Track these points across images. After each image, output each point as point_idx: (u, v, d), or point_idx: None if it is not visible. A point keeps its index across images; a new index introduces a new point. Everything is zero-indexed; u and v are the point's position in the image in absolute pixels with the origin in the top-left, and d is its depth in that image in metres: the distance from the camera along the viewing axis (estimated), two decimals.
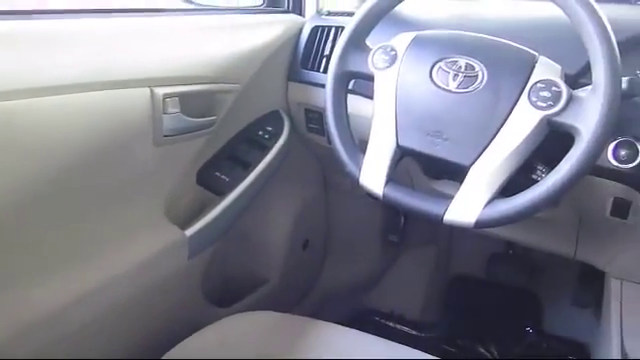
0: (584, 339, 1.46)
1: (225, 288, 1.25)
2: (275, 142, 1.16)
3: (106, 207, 0.90)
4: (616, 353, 1.06)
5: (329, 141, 0.93)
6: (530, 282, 1.56)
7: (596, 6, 0.74)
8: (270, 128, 1.18)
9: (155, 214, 1.00)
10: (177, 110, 0.95)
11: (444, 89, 0.82)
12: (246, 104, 1.12)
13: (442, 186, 1.08)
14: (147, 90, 0.90)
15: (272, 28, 1.15)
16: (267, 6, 1.24)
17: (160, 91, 0.92)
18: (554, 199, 0.75)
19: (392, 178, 0.86)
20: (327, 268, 1.57)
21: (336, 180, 1.41)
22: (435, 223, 0.83)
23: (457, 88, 0.81)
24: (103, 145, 0.86)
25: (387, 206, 1.39)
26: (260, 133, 1.17)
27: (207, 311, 1.16)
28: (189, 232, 1.03)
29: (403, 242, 1.58)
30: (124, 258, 0.93)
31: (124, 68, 0.88)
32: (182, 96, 0.95)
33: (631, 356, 1.03)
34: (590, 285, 1.32)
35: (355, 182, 0.89)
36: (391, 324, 1.60)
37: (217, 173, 1.11)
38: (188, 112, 0.97)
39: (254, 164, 1.14)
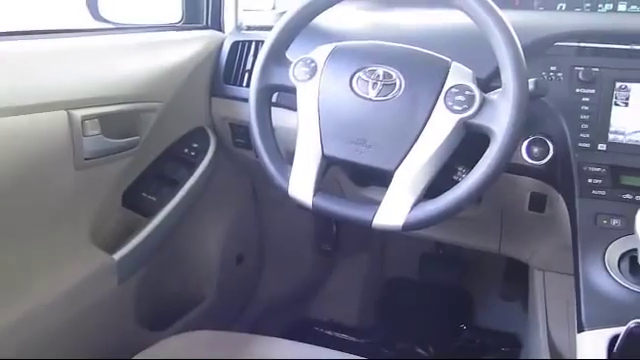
0: (515, 330, 1.52)
1: (160, 310, 1.22)
2: (202, 159, 1.15)
3: (29, 235, 0.87)
4: (543, 339, 1.11)
5: (256, 155, 0.93)
6: (461, 280, 1.62)
7: (502, 14, 0.79)
8: (196, 145, 1.17)
9: (81, 239, 0.97)
10: (97, 132, 0.93)
11: (364, 98, 0.84)
12: (170, 122, 1.11)
13: (371, 192, 1.10)
14: (64, 113, 0.88)
15: (192, 44, 1.14)
16: (186, 23, 1.23)
17: (78, 113, 0.89)
18: (475, 197, 0.79)
19: (320, 188, 0.87)
20: (263, 281, 1.57)
21: (266, 193, 1.41)
22: (365, 228, 0.85)
23: (377, 96, 0.83)
24: (21, 171, 0.83)
25: (318, 216, 1.40)
26: (186, 150, 1.16)
27: (142, 336, 1.13)
28: (117, 256, 1.00)
29: (337, 250, 1.60)
30: (50, 286, 0.90)
31: (38, 91, 0.86)
32: (102, 117, 0.93)
33: (556, 340, 1.08)
34: (516, 278, 1.38)
35: (284, 194, 0.89)
36: (330, 332, 1.61)
37: (144, 194, 1.09)
38: (109, 133, 0.95)
39: (182, 182, 1.12)
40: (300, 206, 0.89)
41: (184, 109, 1.13)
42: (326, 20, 1.06)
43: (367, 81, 0.84)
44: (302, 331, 1.61)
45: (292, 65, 0.90)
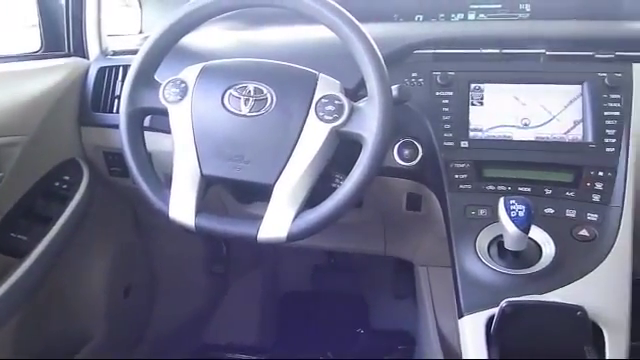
0: (409, 327, 1.58)
1: (45, 355, 1.14)
2: (75, 191, 1.10)
3: None
4: (433, 331, 1.17)
5: (133, 181, 0.91)
6: (354, 286, 1.66)
7: (362, 27, 0.83)
8: (68, 177, 1.11)
9: None
10: None
11: (238, 114, 0.85)
12: (37, 155, 1.04)
13: (256, 209, 1.10)
14: None
15: (54, 73, 1.09)
16: (46, 51, 1.17)
17: None
18: (353, 202, 0.82)
19: (203, 208, 0.86)
20: (156, 311, 1.52)
21: (150, 220, 1.37)
22: (255, 246, 0.85)
23: (250, 112, 0.85)
24: None
25: (203, 237, 1.38)
26: (57, 184, 1.10)
27: None
28: None
29: (229, 271, 1.58)
30: None
31: None
32: None
33: (445, 330, 1.14)
34: (404, 277, 1.44)
35: (166, 218, 0.87)
36: (230, 355, 1.59)
37: (12, 234, 1.02)
38: None
39: (55, 218, 1.06)
40: (184, 229, 0.87)
41: (52, 141, 1.08)
42: (194, 41, 1.05)
43: (239, 98, 0.85)
44: (201, 358, 1.57)
45: (162, 87, 0.89)
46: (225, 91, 0.86)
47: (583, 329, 0.74)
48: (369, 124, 0.81)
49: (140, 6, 1.37)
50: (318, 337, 1.61)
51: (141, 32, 1.37)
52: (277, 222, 0.82)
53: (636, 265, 0.82)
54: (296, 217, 0.82)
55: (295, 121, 0.83)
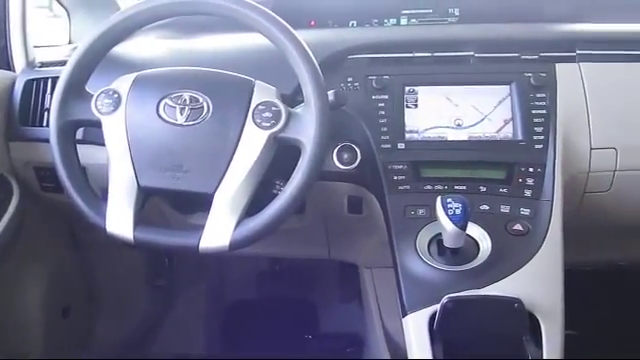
0: (356, 329, 1.60)
1: None
2: (4, 210, 1.05)
3: None
4: (379, 333, 1.18)
5: (68, 196, 0.88)
6: (300, 291, 1.66)
7: (296, 33, 0.84)
8: None
9: None
10: None
11: (174, 124, 0.84)
12: None
13: (197, 219, 1.09)
14: None
15: None
16: None
17: None
18: (294, 208, 0.82)
19: (141, 221, 0.85)
20: (98, 330, 1.47)
21: (87, 235, 1.33)
22: (197, 256, 0.84)
23: (186, 121, 0.84)
24: None
25: (147, 251, 1.35)
26: None
27: None
28: None
29: (173, 283, 1.56)
30: None
31: None
32: None
33: (391, 330, 1.16)
34: (350, 280, 1.45)
35: (103, 232, 0.85)
36: None
37: None
38: None
39: None
40: (122, 243, 0.85)
41: None
42: (126, 50, 1.03)
43: (174, 107, 0.84)
44: None
45: (93, 98, 0.87)
46: (160, 101, 0.85)
47: (520, 320, 0.76)
48: (307, 129, 0.81)
49: (68, 16, 1.33)
50: (266, 344, 1.60)
51: (70, 42, 1.32)
52: (218, 231, 0.81)
53: (567, 256, 0.86)
54: (238, 225, 0.81)
55: (233, 129, 0.83)
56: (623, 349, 1.48)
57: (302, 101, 0.84)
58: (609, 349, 1.47)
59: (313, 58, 0.83)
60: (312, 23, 1.20)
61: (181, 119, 0.84)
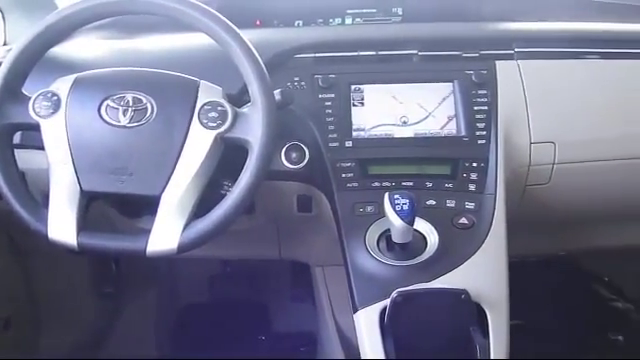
0: (310, 328, 1.60)
1: None
2: None
3: None
4: (332, 330, 1.19)
5: (7, 203, 0.84)
6: (253, 292, 1.66)
7: (241, 33, 0.83)
8: None
9: None
10: None
11: (117, 126, 0.82)
12: None
13: (145, 223, 1.07)
14: None
15: None
16: None
17: None
18: (243, 208, 0.81)
19: (85, 226, 0.82)
20: (43, 341, 1.42)
21: (28, 243, 1.28)
22: (146, 260, 0.82)
23: (130, 123, 0.82)
24: None
25: (93, 256, 1.32)
26: None
27: None
28: None
29: (121, 290, 1.52)
30: None
31: None
32: None
33: (344, 327, 1.16)
34: (302, 279, 1.45)
35: (45, 239, 0.82)
36: None
37: None
38: None
39: None
40: (66, 249, 0.83)
41: None
42: (65, 51, 1.01)
43: (117, 108, 0.82)
44: None
45: (31, 100, 0.84)
46: (102, 102, 0.83)
47: (468, 311, 0.78)
48: (254, 129, 0.81)
49: (3, 17, 1.28)
50: (219, 347, 1.58)
51: (5, 44, 1.27)
52: (166, 234, 0.80)
53: (511, 247, 0.88)
54: (186, 227, 0.80)
55: (178, 129, 0.82)
56: (566, 336, 1.54)
57: (248, 101, 0.84)
58: (553, 336, 1.53)
59: (258, 57, 0.83)
60: (257, 23, 1.19)
61: (124, 121, 0.82)
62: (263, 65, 0.83)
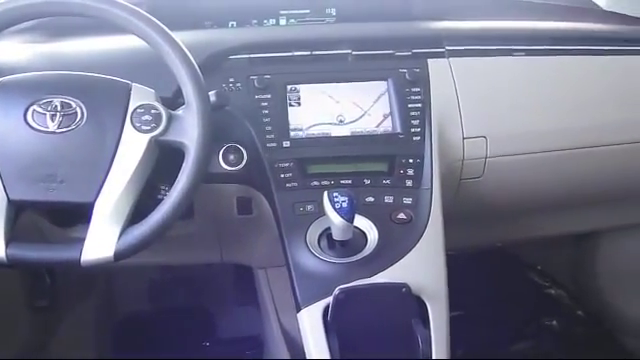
0: (255, 331, 1.59)
1: None
2: None
3: None
4: (277, 332, 1.19)
5: None
6: (196, 298, 1.63)
7: (173, 34, 0.82)
8: None
9: None
10: None
11: (45, 132, 0.79)
12: None
13: (79, 231, 1.03)
14: None
15: None
16: None
17: None
18: (180, 212, 0.80)
19: (15, 237, 0.79)
20: None
21: None
22: (82, 270, 0.79)
23: (58, 128, 0.79)
24: None
25: (24, 269, 1.27)
26: None
27: None
28: None
29: (57, 303, 1.46)
30: None
31: None
32: None
33: (288, 328, 1.16)
34: (245, 282, 1.44)
35: None
36: None
37: None
38: None
39: None
40: None
41: None
42: None
43: (44, 114, 0.80)
44: None
45: None
46: (27, 108, 0.80)
47: (409, 304, 0.80)
48: (189, 131, 0.80)
49: None
50: (163, 356, 1.55)
51: None
52: (101, 241, 0.78)
53: (449, 241, 0.91)
54: (122, 234, 0.78)
55: (110, 134, 0.79)
56: (503, 323, 1.60)
57: (183, 103, 0.83)
58: (491, 324, 1.58)
59: (192, 59, 0.82)
60: (189, 24, 1.18)
61: (53, 126, 0.79)
62: (197, 67, 0.82)
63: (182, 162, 0.80)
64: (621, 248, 1.53)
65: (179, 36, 0.83)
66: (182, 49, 0.82)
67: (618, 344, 1.57)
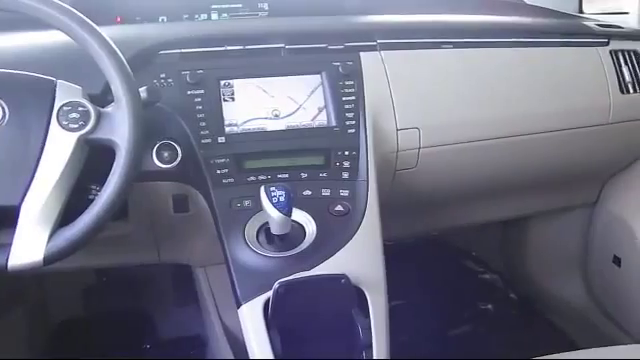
0: (197, 331, 1.56)
1: None
2: None
3: None
4: (219, 330, 1.18)
5: None
6: (134, 300, 1.59)
7: (99, 30, 0.80)
8: None
9: None
10: None
11: None
12: None
13: (5, 236, 0.98)
14: None
15: None
16: None
17: None
18: (112, 212, 0.78)
19: None
20: None
21: None
22: (2, 275, 0.76)
23: None
24: None
25: None
26: None
27: None
28: None
29: None
30: None
31: None
32: None
33: (230, 326, 1.15)
34: (185, 281, 1.42)
35: None
36: None
37: None
38: None
39: None
40: None
41: None
42: None
43: None
44: None
45: None
46: None
47: (348, 294, 0.80)
48: (120, 129, 0.78)
49: None
50: None
51: None
52: (30, 245, 0.75)
53: (388, 231, 0.92)
54: (51, 237, 0.76)
55: (35, 133, 0.76)
56: (441, 310, 1.64)
57: (112, 100, 0.81)
58: (429, 312, 1.62)
59: (120, 54, 0.80)
60: (118, 20, 1.14)
61: None
62: (125, 62, 0.80)
63: (113, 161, 0.78)
64: (548, 232, 1.60)
65: (107, 31, 0.81)
66: (109, 44, 0.79)
67: (549, 324, 1.65)
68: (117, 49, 0.80)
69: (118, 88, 0.78)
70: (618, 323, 1.46)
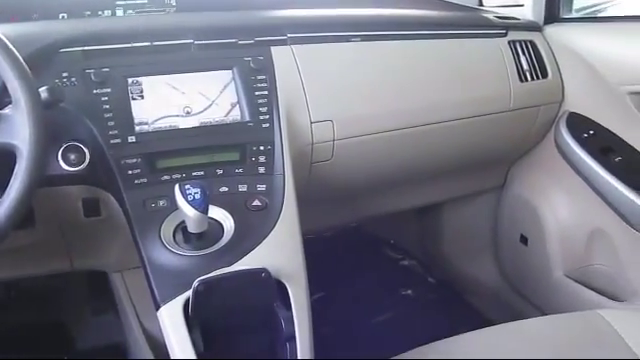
0: (117, 338, 1.51)
1: None
2: None
3: None
4: (139, 335, 1.14)
5: None
6: (50, 312, 1.51)
7: None
8: None
9: None
10: None
11: None
12: None
13: None
14: None
15: None
16: None
17: None
18: (16, 221, 0.74)
19: None
20: None
21: None
22: None
23: None
24: None
25: None
26: None
27: None
28: None
29: None
30: None
31: None
32: None
33: (150, 329, 1.12)
34: (101, 288, 1.37)
35: None
36: None
37: None
38: None
39: None
40: None
41: None
42: None
43: None
44: None
45: None
46: None
47: (269, 288, 0.80)
48: (20, 131, 0.74)
49: None
50: None
51: None
52: None
53: (307, 224, 0.93)
54: None
55: None
56: (363, 299, 1.68)
57: (10, 102, 0.76)
58: (352, 301, 1.65)
59: (15, 52, 0.76)
60: (11, 19, 1.08)
61: None
62: (22, 61, 0.76)
63: (15, 166, 0.74)
64: (461, 217, 1.67)
65: (0, 29, 0.76)
66: (3, 41, 0.75)
67: (466, 304, 1.72)
68: (12, 47, 0.76)
69: (16, 89, 0.74)
70: (527, 298, 1.54)
